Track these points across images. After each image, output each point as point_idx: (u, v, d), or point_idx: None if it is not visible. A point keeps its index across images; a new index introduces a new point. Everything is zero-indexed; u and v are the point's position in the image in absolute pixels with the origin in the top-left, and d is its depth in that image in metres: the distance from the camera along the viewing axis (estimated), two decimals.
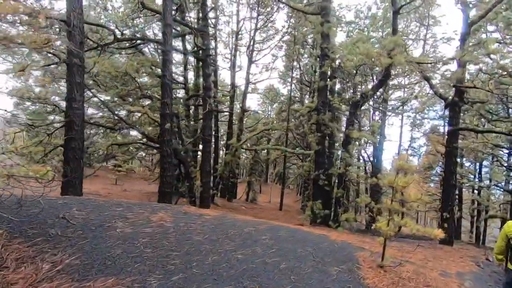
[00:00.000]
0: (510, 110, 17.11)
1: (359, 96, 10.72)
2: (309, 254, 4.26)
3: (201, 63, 13.50)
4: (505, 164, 18.50)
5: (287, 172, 36.99)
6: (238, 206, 20.31)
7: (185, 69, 17.04)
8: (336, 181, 11.49)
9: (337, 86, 20.24)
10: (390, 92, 22.94)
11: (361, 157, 24.36)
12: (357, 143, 20.73)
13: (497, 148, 22.19)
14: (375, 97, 22.83)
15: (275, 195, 29.20)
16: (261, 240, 4.49)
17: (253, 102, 64.58)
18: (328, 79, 11.70)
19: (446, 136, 11.32)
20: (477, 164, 26.86)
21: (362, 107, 20.46)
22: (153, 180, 18.08)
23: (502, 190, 19.65)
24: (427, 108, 27.79)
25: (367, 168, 23.84)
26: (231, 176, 20.28)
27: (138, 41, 12.08)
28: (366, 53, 8.31)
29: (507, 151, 21.27)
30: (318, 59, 12.10)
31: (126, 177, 22.99)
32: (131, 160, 28.03)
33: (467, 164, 28.51)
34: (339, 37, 24.52)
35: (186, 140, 14.52)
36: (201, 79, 13.72)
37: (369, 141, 24.08)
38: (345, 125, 12.43)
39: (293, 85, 30.10)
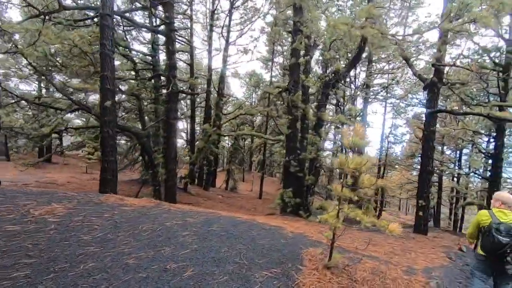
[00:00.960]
0: (490, 95, 16.63)
1: (331, 75, 9.76)
2: (235, 255, 3.35)
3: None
4: (484, 151, 18.11)
5: (271, 160, 36.26)
6: (214, 195, 19.43)
7: (153, 48, 15.62)
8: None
9: (317, 69, 19.30)
10: (373, 77, 22.19)
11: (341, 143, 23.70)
12: (337, 127, 20.07)
13: (476, 136, 22.01)
14: (359, 83, 22.07)
15: (257, 183, 28.47)
16: (179, 237, 3.54)
17: (236, 88, 63.12)
18: (302, 57, 10.68)
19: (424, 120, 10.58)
20: (457, 151, 26.77)
21: (347, 93, 19.69)
22: (121, 168, 16.87)
23: (480, 177, 19.36)
24: (411, 96, 27.34)
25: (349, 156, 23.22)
26: (206, 164, 19.27)
27: (91, 13, 10.66)
28: (334, 25, 7.30)
29: (486, 139, 21.06)
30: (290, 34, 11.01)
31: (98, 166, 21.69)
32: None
33: (448, 151, 28.47)
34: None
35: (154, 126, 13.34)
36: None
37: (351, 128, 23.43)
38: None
39: (276, 71, 29.01)
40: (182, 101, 27.75)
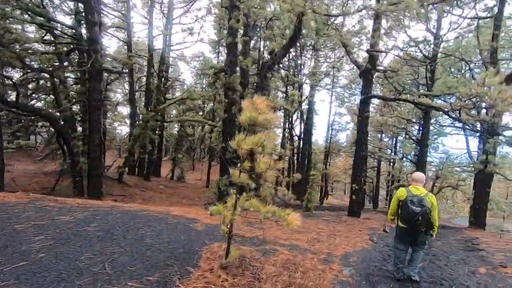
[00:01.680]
0: (419, 85, 17.92)
1: (268, 57, 9.23)
2: (99, 262, 2.59)
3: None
4: (413, 138, 19.64)
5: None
6: (155, 186, 18.10)
7: (77, 20, 13.49)
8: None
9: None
10: (320, 65, 22.51)
11: (291, 132, 23.91)
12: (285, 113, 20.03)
13: (409, 124, 23.93)
14: (307, 71, 22.22)
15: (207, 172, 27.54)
16: (25, 243, 2.66)
17: (187, 73, 60.18)
18: (241, 37, 9.94)
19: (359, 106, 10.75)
20: (394, 139, 29.00)
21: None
22: (40, 158, 14.67)
23: (410, 161, 21.06)
24: (354, 86, 28.60)
25: (297, 142, 23.47)
26: (146, 152, 17.78)
27: None
28: None
29: (417, 127, 22.98)
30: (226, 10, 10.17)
31: (22, 155, 18.64)
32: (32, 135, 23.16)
33: (386, 139, 30.68)
34: None
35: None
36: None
37: (298, 115, 23.65)
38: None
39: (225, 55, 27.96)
40: (121, 84, 25.25)
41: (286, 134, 21.68)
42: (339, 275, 3.87)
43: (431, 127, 19.88)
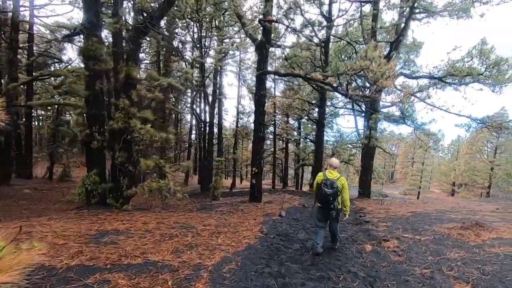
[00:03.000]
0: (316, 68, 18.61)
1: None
2: None
3: None
4: (313, 119, 20.61)
5: None
6: (20, 189, 13.84)
7: None
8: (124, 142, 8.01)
9: None
10: (224, 45, 21.12)
11: (198, 117, 22.09)
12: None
13: (310, 107, 25.31)
14: (211, 50, 20.49)
15: None
16: None
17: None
18: None
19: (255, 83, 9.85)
20: (298, 120, 30.44)
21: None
22: None
23: (310, 141, 22.22)
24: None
25: (203, 129, 21.81)
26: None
27: None
28: None
29: (317, 109, 24.48)
30: None
31: None
32: None
33: (292, 121, 32.13)
34: None
35: None
36: None
37: (205, 99, 21.93)
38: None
39: None
40: None
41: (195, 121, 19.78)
42: None
43: (327, 110, 21.36)
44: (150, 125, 7.97)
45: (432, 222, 6.30)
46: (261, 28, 9.33)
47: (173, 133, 7.99)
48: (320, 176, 4.31)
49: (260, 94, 9.41)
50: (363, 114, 22.44)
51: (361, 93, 10.72)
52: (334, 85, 7.91)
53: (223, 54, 14.20)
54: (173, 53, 18.52)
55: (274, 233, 5.46)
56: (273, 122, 32.34)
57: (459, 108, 9.03)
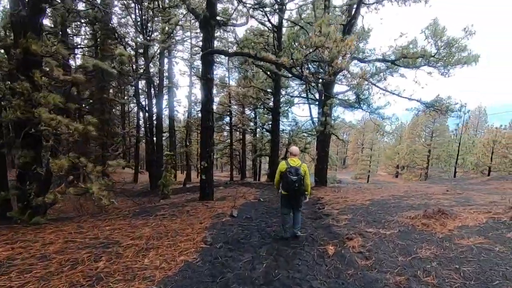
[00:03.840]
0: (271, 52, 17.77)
1: None
2: None
3: None
4: (268, 107, 19.92)
5: None
6: None
7: None
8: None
9: None
10: (171, 29, 19.07)
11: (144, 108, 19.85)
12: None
13: (266, 96, 24.62)
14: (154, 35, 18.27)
15: None
16: None
17: None
18: None
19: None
20: (254, 110, 29.62)
21: None
22: None
23: (266, 130, 21.57)
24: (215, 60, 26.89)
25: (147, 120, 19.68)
26: None
27: None
28: None
29: (272, 97, 23.83)
30: None
31: None
32: None
33: (248, 111, 31.20)
34: None
35: None
36: None
37: (155, 89, 19.79)
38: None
39: None
40: None
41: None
42: None
43: (282, 98, 20.83)
44: (67, 116, 6.30)
45: (393, 211, 5.88)
46: (205, 2, 8.05)
47: (95, 124, 6.41)
48: (283, 165, 4.35)
49: (207, 78, 8.19)
50: (317, 103, 22.48)
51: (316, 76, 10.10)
52: (288, 66, 7.05)
53: (166, 35, 12.49)
54: (111, 35, 16.10)
55: (221, 240, 4.46)
56: (228, 112, 31.18)
57: (410, 92, 9.04)
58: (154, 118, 17.55)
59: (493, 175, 15.90)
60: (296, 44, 7.26)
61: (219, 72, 30.63)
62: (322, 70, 10.62)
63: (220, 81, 31.31)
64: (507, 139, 19.85)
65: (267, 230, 5.18)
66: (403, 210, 5.82)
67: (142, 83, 20.87)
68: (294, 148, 4.52)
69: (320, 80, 8.69)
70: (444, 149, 33.83)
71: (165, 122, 32.12)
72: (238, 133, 34.14)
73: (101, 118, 19.17)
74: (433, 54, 7.72)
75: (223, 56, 27.77)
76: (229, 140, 32.42)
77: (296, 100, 23.22)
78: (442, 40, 7.44)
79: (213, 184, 8.92)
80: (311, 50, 6.66)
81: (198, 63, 25.56)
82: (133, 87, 16.34)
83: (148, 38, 13.84)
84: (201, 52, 8.02)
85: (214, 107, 35.55)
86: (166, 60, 25.23)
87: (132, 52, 15.90)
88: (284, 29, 17.00)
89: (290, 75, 12.67)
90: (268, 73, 16.43)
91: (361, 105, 10.10)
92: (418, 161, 34.60)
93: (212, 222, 5.56)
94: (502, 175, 15.79)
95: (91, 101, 19.13)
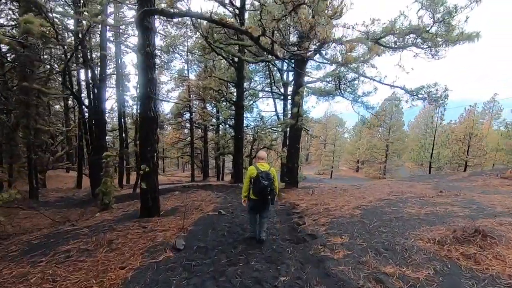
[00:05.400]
0: None
1: None
2: None
3: None
4: (230, 100, 17.85)
5: None
6: None
7: None
8: None
9: None
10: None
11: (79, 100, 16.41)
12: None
13: (229, 89, 22.52)
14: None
15: None
16: None
17: None
18: None
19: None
20: (216, 106, 27.19)
21: None
22: None
23: (229, 126, 19.48)
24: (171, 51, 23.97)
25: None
26: None
27: None
28: None
29: (235, 89, 21.77)
30: None
31: None
32: None
33: (209, 107, 28.72)
34: None
35: None
36: None
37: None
38: None
39: None
40: None
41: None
42: None
43: (246, 93, 18.91)
44: None
45: (400, 227, 4.29)
46: None
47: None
48: (252, 170, 4.23)
49: (145, 52, 5.90)
50: (282, 97, 21.03)
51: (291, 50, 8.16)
52: (255, 35, 5.11)
53: (99, 6, 9.72)
54: (32, 8, 12.68)
55: None
56: (188, 108, 28.42)
57: (392, 79, 7.78)
58: (93, 112, 14.40)
59: (469, 171, 15.81)
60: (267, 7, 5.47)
61: (177, 64, 27.78)
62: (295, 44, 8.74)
63: (178, 73, 28.40)
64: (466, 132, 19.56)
65: (228, 272, 3.23)
66: (414, 226, 4.25)
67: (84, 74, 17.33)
68: (262, 153, 4.48)
69: (293, 55, 6.90)
70: (399, 144, 34.94)
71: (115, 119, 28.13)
72: (200, 130, 31.55)
73: (26, 112, 15.55)
74: (427, 29, 6.36)
75: (182, 47, 25.03)
76: (189, 138, 29.70)
77: (260, 94, 21.52)
78: (439, 10, 6.10)
79: (158, 193, 6.67)
80: (285, 13, 4.80)
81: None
82: (66, 75, 13.08)
83: (80, 10, 10.87)
84: (135, 16, 5.70)
85: (172, 103, 32.09)
86: (113, 47, 21.74)
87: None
88: (247, 14, 15.05)
89: (254, 61, 10.74)
90: (231, 61, 14.35)
91: (342, 92, 8.56)
92: (377, 156, 35.29)
93: (140, 266, 3.43)
94: (477, 170, 15.55)
95: (10, 91, 15.33)
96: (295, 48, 6.44)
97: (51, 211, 11.50)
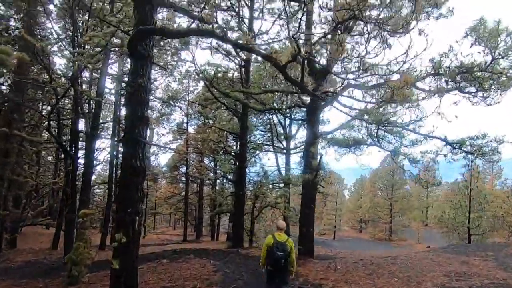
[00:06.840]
0: None
1: None
2: None
3: None
4: (231, 152, 16.43)
5: None
6: None
7: None
8: None
9: None
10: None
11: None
12: None
13: (229, 142, 21.44)
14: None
15: None
16: None
17: None
18: None
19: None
20: (214, 159, 25.71)
21: None
22: None
23: (229, 181, 17.65)
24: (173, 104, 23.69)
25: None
26: None
27: None
28: None
29: (236, 141, 20.60)
30: None
31: None
32: None
33: (206, 161, 27.26)
34: None
35: None
36: None
37: None
38: None
39: None
40: None
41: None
42: None
43: (248, 146, 17.70)
44: None
45: None
46: None
47: None
48: (270, 239, 4.14)
49: (136, 84, 4.57)
50: (285, 151, 19.85)
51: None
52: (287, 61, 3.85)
53: (99, 49, 8.95)
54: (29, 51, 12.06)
55: None
56: (185, 161, 26.88)
57: (429, 128, 6.57)
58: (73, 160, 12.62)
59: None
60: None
61: (176, 117, 27.27)
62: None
63: (178, 127, 27.55)
64: None
65: None
66: None
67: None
68: (281, 222, 4.41)
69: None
70: (404, 203, 32.89)
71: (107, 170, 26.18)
72: (195, 185, 29.43)
73: (4, 160, 13.73)
74: (484, 67, 5.28)
75: (182, 101, 24.77)
76: (184, 192, 27.43)
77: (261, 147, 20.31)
78: (498, 46, 5.07)
79: (137, 277, 4.59)
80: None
81: (155, 103, 21.69)
82: (52, 121, 11.80)
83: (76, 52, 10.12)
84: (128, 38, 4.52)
85: (169, 155, 30.43)
86: (113, 98, 21.07)
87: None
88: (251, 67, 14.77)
89: (262, 109, 9.64)
90: (234, 111, 13.41)
91: (379, 140, 7.07)
92: (382, 215, 32.86)
93: None
94: None
95: None
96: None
97: (6, 284, 8.84)
